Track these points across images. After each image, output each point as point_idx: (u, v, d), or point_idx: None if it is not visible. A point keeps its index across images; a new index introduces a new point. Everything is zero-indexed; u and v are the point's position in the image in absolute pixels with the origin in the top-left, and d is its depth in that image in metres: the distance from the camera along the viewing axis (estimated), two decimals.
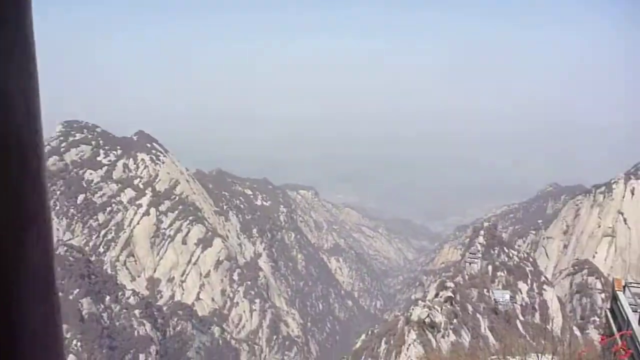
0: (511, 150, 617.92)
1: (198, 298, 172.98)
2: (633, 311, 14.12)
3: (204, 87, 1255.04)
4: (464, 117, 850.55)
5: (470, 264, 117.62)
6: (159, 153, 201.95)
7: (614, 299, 16.26)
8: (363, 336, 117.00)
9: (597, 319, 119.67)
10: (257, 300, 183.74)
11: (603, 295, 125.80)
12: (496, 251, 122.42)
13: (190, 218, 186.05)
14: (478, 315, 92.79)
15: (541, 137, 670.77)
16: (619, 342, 13.73)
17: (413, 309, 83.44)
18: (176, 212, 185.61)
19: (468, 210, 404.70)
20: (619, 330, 14.40)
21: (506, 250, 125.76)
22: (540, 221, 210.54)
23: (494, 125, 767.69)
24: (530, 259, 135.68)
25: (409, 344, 73.47)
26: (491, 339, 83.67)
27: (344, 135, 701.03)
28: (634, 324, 13.25)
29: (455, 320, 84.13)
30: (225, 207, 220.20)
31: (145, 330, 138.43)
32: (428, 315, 78.65)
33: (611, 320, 15.93)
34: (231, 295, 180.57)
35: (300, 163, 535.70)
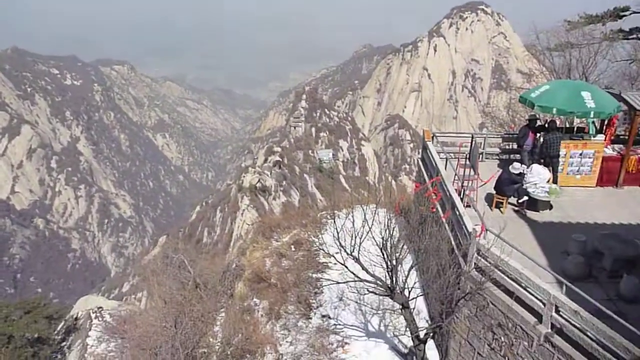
0: (326, 14, 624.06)
1: (13, 191, 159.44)
2: (441, 159, 15.95)
3: None
4: None
5: (294, 127, 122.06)
6: None
7: (424, 148, 17.89)
8: (198, 208, 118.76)
9: (407, 166, 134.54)
10: (82, 186, 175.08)
11: (412, 145, 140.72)
12: (318, 113, 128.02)
13: None
14: (305, 175, 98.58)
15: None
16: (430, 188, 15.63)
17: (244, 176, 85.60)
18: None
19: (290, 75, 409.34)
20: (430, 177, 16.27)
21: (327, 112, 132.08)
22: (356, 82, 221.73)
23: None
24: (349, 118, 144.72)
25: (243, 210, 76.23)
26: (318, 195, 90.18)
27: (152, 5, 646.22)
28: (442, 170, 15.04)
29: (284, 182, 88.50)
30: (29, 89, 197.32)
31: None
32: (259, 181, 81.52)
33: (422, 169, 17.74)
34: (51, 184, 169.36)
35: (109, 37, 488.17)
